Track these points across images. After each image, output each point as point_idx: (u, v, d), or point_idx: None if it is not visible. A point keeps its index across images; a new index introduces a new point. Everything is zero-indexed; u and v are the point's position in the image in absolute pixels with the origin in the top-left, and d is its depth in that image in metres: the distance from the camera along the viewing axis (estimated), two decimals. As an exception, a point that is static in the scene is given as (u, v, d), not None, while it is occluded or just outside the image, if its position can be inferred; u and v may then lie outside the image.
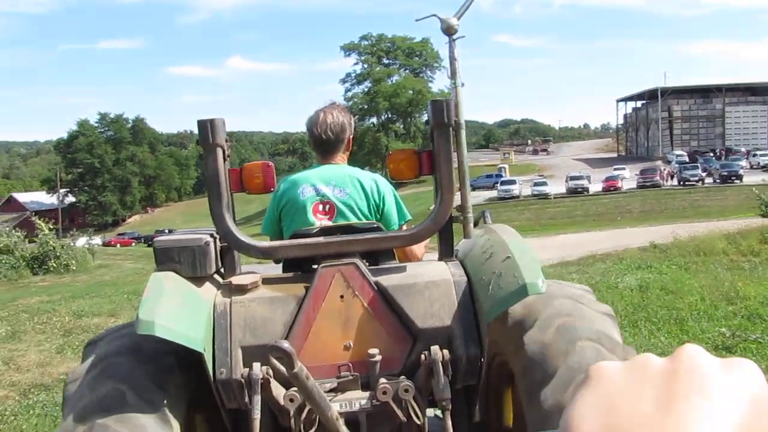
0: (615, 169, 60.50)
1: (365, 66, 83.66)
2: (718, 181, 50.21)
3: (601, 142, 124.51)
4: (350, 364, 2.47)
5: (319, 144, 3.16)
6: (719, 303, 8.28)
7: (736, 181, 48.63)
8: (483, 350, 2.44)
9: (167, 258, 2.46)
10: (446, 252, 2.75)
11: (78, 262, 24.22)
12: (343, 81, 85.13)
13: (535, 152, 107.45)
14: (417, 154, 2.75)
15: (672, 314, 7.78)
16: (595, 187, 52.38)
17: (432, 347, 2.40)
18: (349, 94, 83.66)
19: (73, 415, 2.10)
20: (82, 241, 33.13)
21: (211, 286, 2.55)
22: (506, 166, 74.60)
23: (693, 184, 50.14)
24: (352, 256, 2.54)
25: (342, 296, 2.49)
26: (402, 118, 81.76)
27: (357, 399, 2.42)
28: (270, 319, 2.44)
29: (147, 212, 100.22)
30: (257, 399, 2.25)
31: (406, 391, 2.37)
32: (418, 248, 3.10)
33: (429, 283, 2.51)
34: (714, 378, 0.43)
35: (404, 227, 3.19)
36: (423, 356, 2.41)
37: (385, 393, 2.36)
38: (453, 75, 2.78)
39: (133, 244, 58.59)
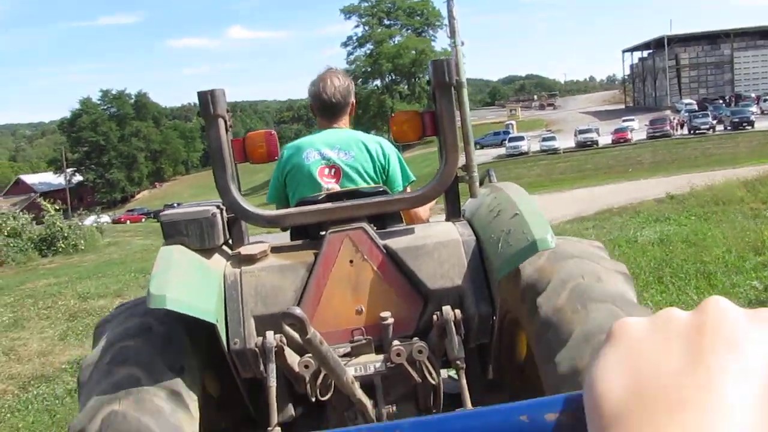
0: (624, 121, 59.69)
1: (366, 28, 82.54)
2: (729, 128, 49.48)
3: (607, 94, 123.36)
4: (363, 328, 2.47)
5: (328, 108, 3.20)
6: (746, 254, 7.94)
7: (747, 127, 47.98)
8: (495, 308, 2.44)
9: (175, 231, 2.45)
10: (453, 212, 2.74)
11: (86, 242, 24.16)
12: (345, 44, 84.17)
13: (541, 107, 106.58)
14: (420, 115, 2.72)
15: (699, 268, 7.45)
16: (605, 139, 51.71)
17: (444, 307, 2.40)
18: (352, 57, 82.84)
19: (90, 403, 2.08)
20: (90, 220, 33.11)
21: (220, 258, 2.54)
22: (513, 122, 73.87)
23: (704, 133, 49.42)
24: (359, 220, 2.53)
25: (351, 261, 2.48)
26: (406, 78, 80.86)
27: (371, 362, 2.43)
28: (281, 288, 2.44)
29: (155, 187, 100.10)
30: (272, 367, 2.25)
31: (420, 352, 2.38)
32: (423, 211, 3.10)
33: (438, 244, 2.50)
34: (742, 330, 0.42)
35: (408, 189, 3.23)
36: (435, 317, 2.42)
37: (399, 355, 2.37)
38: (452, 34, 2.74)
39: (143, 219, 58.61)
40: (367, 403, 2.42)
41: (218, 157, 2.46)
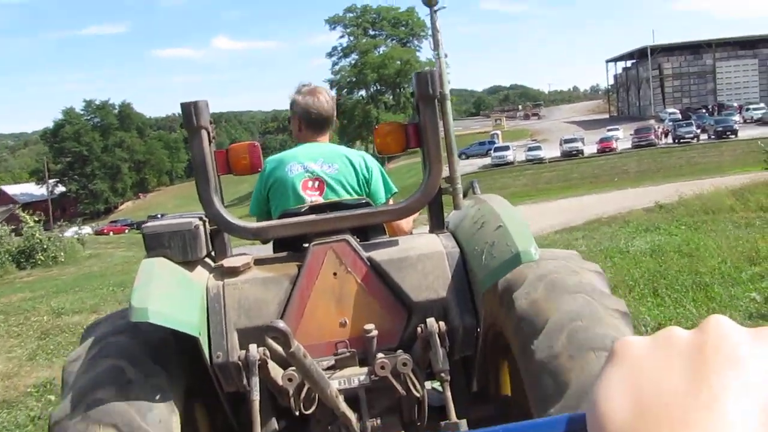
0: (609, 130, 59.89)
1: (351, 38, 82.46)
2: (713, 137, 49.75)
3: (591, 103, 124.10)
4: (347, 341, 2.46)
5: (318, 122, 3.27)
6: (742, 265, 7.74)
7: (731, 136, 48.24)
8: (479, 320, 2.44)
9: (157, 244, 2.43)
10: (437, 224, 2.75)
11: (67, 254, 23.66)
12: (330, 55, 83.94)
13: (526, 117, 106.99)
14: (403, 127, 2.69)
15: (694, 280, 7.23)
16: (590, 149, 51.79)
17: (428, 320, 2.39)
18: (337, 67, 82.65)
19: (72, 392, 2.07)
20: (71, 232, 32.58)
21: (202, 270, 2.53)
22: (498, 132, 73.98)
23: (688, 142, 49.69)
24: (342, 232, 2.52)
25: (335, 273, 2.48)
26: (391, 89, 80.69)
27: (355, 375, 2.42)
28: (264, 300, 2.42)
29: (139, 198, 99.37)
30: (255, 381, 2.22)
31: (404, 364, 2.37)
32: (406, 222, 3.11)
33: (421, 256, 2.50)
34: (745, 349, 0.42)
35: (391, 201, 3.28)
36: (419, 329, 2.40)
37: (383, 368, 2.36)
38: (436, 46, 2.78)
39: (127, 231, 58.01)
40: (352, 416, 2.41)
41: (201, 169, 2.44)
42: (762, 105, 63.54)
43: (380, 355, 2.40)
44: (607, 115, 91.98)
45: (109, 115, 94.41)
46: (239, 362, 2.30)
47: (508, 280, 2.32)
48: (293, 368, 2.28)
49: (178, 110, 2.52)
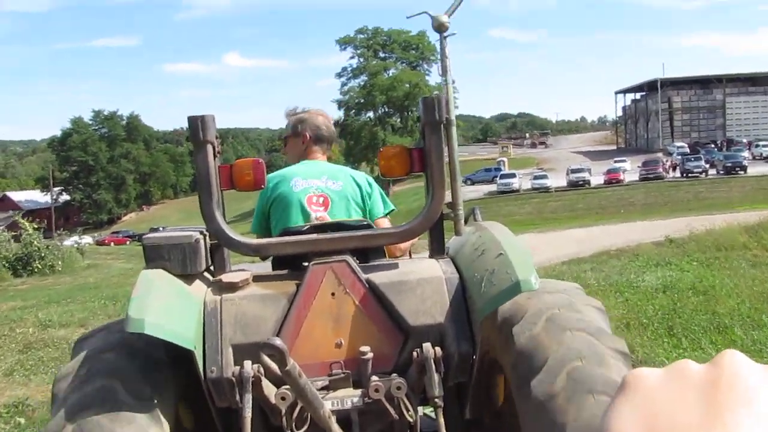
0: (616, 162, 59.56)
1: (361, 60, 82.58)
2: (722, 172, 49.38)
3: (599, 134, 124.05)
4: (342, 362, 2.45)
5: (325, 139, 3.39)
6: (762, 306, 7.39)
7: (740, 172, 47.85)
8: (475, 347, 2.43)
9: (157, 256, 2.43)
10: (437, 249, 2.75)
11: (64, 263, 23.34)
12: (339, 75, 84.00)
13: (533, 145, 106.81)
14: (408, 150, 2.70)
15: (711, 320, 6.88)
16: (597, 179, 51.46)
17: (424, 344, 2.38)
18: (345, 88, 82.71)
19: (62, 411, 2.05)
20: (71, 241, 32.31)
21: (201, 284, 2.53)
22: (505, 159, 73.70)
23: (697, 176, 49.21)
24: (343, 253, 2.52)
25: (333, 294, 2.48)
26: (399, 111, 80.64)
27: (349, 397, 2.41)
28: (261, 317, 2.42)
29: (142, 210, 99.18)
30: (248, 397, 2.22)
31: (398, 388, 2.36)
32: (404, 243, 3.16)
33: (420, 281, 2.50)
34: (759, 386, 0.42)
35: (388, 218, 3.35)
36: (415, 353, 2.39)
37: (377, 391, 2.35)
38: (444, 72, 2.81)
39: (128, 242, 57.73)
40: None
41: (205, 184, 2.45)
42: (772, 142, 63.22)
43: (375, 377, 2.39)
44: (614, 147, 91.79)
45: (116, 126, 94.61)
46: (233, 378, 2.29)
47: (509, 312, 2.30)
48: (287, 387, 2.26)
49: (185, 124, 2.48)
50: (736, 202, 33.61)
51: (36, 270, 21.70)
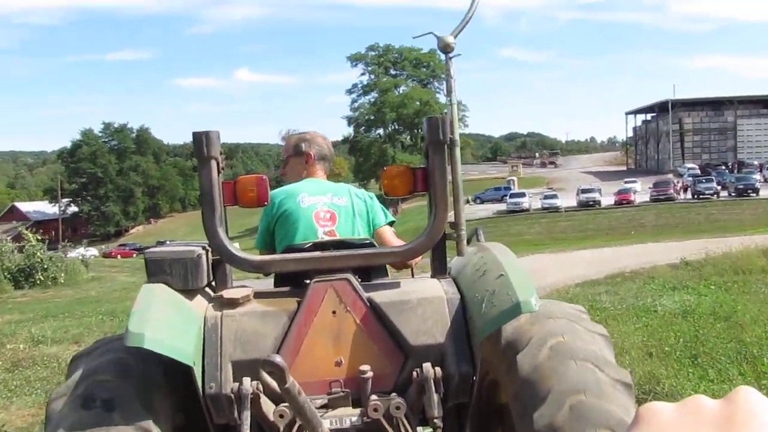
0: (626, 182, 59.14)
1: (372, 76, 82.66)
2: (733, 194, 48.88)
3: (609, 155, 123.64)
4: (341, 381, 2.44)
5: (327, 158, 3.47)
6: (790, 334, 6.97)
7: (752, 194, 47.37)
8: (475, 368, 2.41)
9: (159, 270, 2.44)
10: (440, 269, 2.75)
11: (67, 275, 23.12)
12: (350, 92, 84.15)
13: (543, 165, 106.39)
14: (411, 170, 2.72)
15: (737, 349, 6.48)
16: (607, 200, 51.01)
17: (424, 365, 2.37)
18: (356, 104, 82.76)
19: None
20: (75, 253, 32.14)
21: (202, 299, 2.53)
22: (515, 178, 73.33)
23: (708, 198, 48.70)
24: (345, 271, 2.52)
25: (334, 312, 2.47)
26: (409, 129, 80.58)
27: (348, 416, 2.40)
28: (261, 334, 2.42)
29: (150, 223, 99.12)
30: (247, 415, 2.23)
31: (398, 408, 2.35)
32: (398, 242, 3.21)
33: (422, 300, 2.49)
34: None
35: (388, 226, 3.35)
36: (415, 373, 2.38)
37: (376, 410, 2.35)
38: (449, 92, 2.83)
39: (135, 255, 57.51)
40: None
41: (208, 199, 2.45)
42: (785, 165, 62.72)
43: (374, 397, 2.38)
44: (624, 168, 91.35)
45: (126, 138, 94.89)
46: (232, 395, 2.28)
47: (512, 336, 2.28)
48: (285, 404, 2.26)
49: (195, 138, 2.49)
50: (748, 225, 33.34)
51: (38, 282, 21.50)
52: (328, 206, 3.15)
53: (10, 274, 21.43)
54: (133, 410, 2.10)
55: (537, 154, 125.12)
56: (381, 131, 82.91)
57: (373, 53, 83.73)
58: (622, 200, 50.36)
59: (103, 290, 19.31)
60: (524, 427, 2.11)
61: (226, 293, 2.51)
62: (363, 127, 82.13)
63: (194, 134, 2.42)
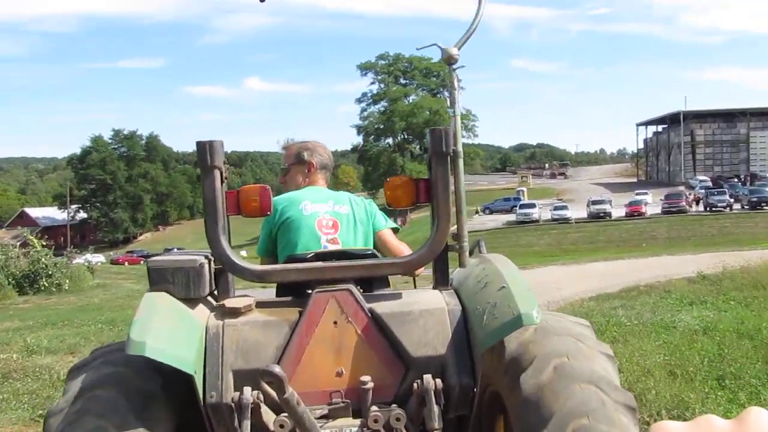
0: (637, 194, 58.73)
1: (382, 85, 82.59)
2: (746, 207, 48.44)
3: (619, 166, 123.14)
4: (342, 391, 2.45)
5: (325, 169, 3.48)
6: (823, 355, 6.59)
7: (766, 207, 46.86)
8: (476, 381, 2.41)
9: (161, 279, 2.45)
10: (441, 280, 2.74)
11: (72, 282, 22.86)
12: (359, 100, 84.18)
13: (552, 176, 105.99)
14: (414, 181, 2.71)
15: (766, 370, 6.09)
16: (617, 212, 50.62)
17: (425, 376, 2.37)
18: (365, 113, 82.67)
19: None
20: (81, 259, 31.99)
21: (204, 308, 2.54)
22: (524, 189, 73.03)
23: (720, 210, 48.30)
24: (347, 281, 2.54)
25: (335, 322, 2.49)
26: (418, 138, 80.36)
27: (348, 426, 2.40)
28: (262, 344, 2.43)
29: (158, 230, 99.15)
30: (247, 424, 2.24)
31: (398, 419, 2.36)
32: (407, 249, 3.27)
33: (423, 312, 2.50)
34: None
35: (389, 229, 3.36)
36: (415, 385, 2.38)
37: (376, 421, 2.35)
38: (452, 104, 2.83)
39: (142, 262, 57.37)
40: None
41: (211, 208, 2.46)
42: (797, 178, 62.13)
43: (374, 408, 2.38)
44: (635, 179, 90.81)
45: (135, 145, 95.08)
46: (232, 404, 2.29)
47: (516, 353, 2.25)
48: (286, 414, 2.26)
49: (204, 146, 2.50)
50: (762, 238, 32.96)
51: (42, 288, 21.26)
52: (331, 214, 3.18)
53: (15, 280, 21.19)
54: (132, 425, 2.10)
55: (546, 165, 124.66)
56: (390, 140, 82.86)
57: (383, 62, 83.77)
58: (633, 212, 50.00)
59: (107, 297, 19.00)
60: None
61: (228, 302, 2.53)
62: (372, 136, 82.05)
63: (198, 144, 2.44)
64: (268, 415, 2.35)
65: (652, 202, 54.68)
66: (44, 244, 23.76)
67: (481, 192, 76.05)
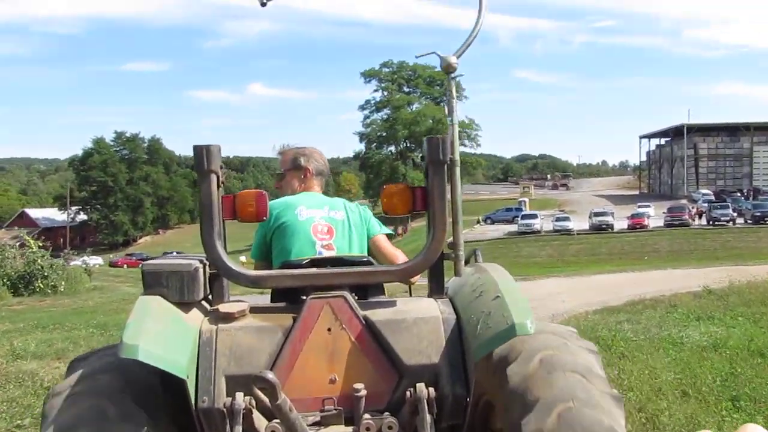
0: (639, 207, 58.46)
1: (385, 93, 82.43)
2: (749, 221, 48.19)
3: (621, 179, 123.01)
4: (334, 398, 2.43)
5: (321, 175, 3.50)
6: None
7: (769, 222, 46.56)
8: (469, 390, 2.40)
9: (155, 282, 2.43)
10: (437, 289, 2.74)
11: (68, 283, 22.61)
12: (362, 108, 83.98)
13: (554, 187, 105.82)
14: (411, 189, 2.70)
15: (782, 391, 5.82)
16: (619, 224, 50.39)
17: (418, 384, 2.36)
18: (368, 120, 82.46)
19: (52, 428, 2.09)
20: (79, 261, 31.76)
21: (198, 313, 2.52)
22: (526, 200, 72.87)
23: (724, 224, 48.01)
24: (341, 288, 2.52)
25: (329, 329, 2.47)
26: (421, 147, 79.87)
27: None
28: (256, 349, 2.42)
29: (158, 233, 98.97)
30: (238, 429, 2.24)
31: (390, 428, 2.36)
32: (402, 255, 3.31)
33: (417, 320, 2.49)
34: None
35: (383, 235, 3.39)
36: (408, 393, 2.37)
37: (368, 429, 2.35)
38: (450, 112, 2.83)
39: (140, 265, 57.24)
40: None
41: (207, 213, 2.45)
42: (800, 193, 61.90)
43: (367, 416, 2.37)
44: (637, 192, 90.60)
45: (137, 148, 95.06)
46: (224, 409, 2.27)
47: (504, 352, 2.27)
48: (277, 420, 2.27)
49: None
50: (765, 253, 32.77)
51: (38, 289, 20.99)
52: (326, 220, 3.20)
53: (10, 281, 20.95)
54: (128, 408, 2.12)
55: (549, 176, 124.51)
56: (393, 148, 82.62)
57: (387, 70, 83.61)
58: (636, 224, 49.81)
59: (102, 300, 18.75)
60: None
61: (222, 307, 2.52)
62: (375, 144, 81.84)
63: (195, 148, 2.43)
64: (260, 421, 2.33)
65: (654, 214, 54.45)
66: (41, 245, 23.53)
67: (483, 202, 75.85)
